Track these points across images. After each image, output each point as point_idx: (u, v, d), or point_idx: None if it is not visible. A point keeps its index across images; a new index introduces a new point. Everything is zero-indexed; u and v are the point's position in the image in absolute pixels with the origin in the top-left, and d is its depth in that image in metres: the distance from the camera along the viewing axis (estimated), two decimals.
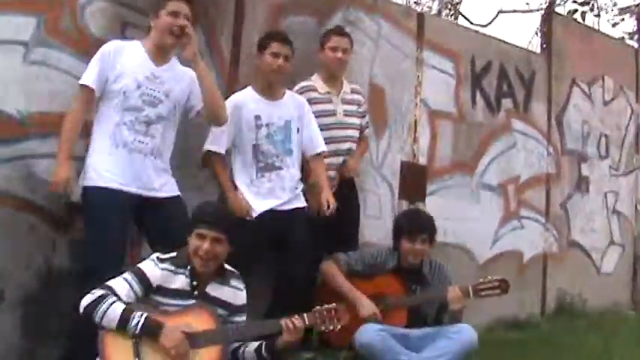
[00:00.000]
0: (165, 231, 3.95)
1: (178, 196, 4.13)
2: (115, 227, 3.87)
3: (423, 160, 6.09)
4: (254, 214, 4.42)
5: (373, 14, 5.76)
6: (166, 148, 4.11)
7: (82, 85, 3.93)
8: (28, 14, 4.07)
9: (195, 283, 3.54)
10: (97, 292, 3.37)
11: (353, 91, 5.14)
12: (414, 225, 4.60)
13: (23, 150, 4.04)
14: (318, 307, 3.67)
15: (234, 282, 3.69)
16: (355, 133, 5.08)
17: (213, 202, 3.88)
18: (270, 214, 4.48)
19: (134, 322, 3.31)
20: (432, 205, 5.98)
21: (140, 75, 3.98)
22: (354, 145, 5.06)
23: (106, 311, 3.31)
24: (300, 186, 4.64)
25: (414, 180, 5.97)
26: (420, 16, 6.28)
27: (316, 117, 4.81)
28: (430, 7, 11.94)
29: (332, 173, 4.90)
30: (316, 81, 4.99)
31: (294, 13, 5.28)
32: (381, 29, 5.82)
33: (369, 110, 5.42)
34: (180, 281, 3.52)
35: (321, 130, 4.82)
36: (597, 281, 7.84)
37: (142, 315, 3.33)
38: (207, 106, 4.14)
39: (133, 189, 3.94)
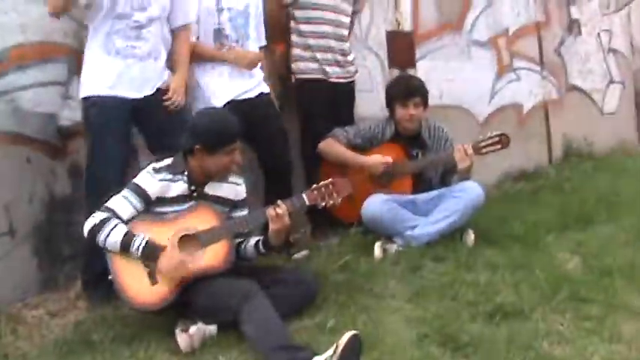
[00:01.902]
0: (164, 135, 3.98)
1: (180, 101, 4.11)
2: (116, 134, 3.88)
3: (407, 26, 5.99)
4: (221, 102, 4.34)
5: None
6: (165, 47, 4.07)
7: None
8: None
9: (193, 187, 3.55)
10: (99, 216, 3.40)
11: None
12: (405, 90, 4.60)
13: (5, 85, 4.00)
14: (314, 185, 3.66)
15: (231, 178, 3.70)
16: (346, 19, 5.07)
17: (224, 112, 3.79)
18: (240, 102, 4.42)
19: (135, 246, 3.34)
20: (423, 70, 5.94)
21: None
22: (346, 31, 5.07)
23: (108, 235, 3.35)
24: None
25: (401, 47, 5.91)
26: None
27: None
28: None
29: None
30: None
31: None
32: None
33: None
34: (179, 187, 3.53)
35: (319, 10, 4.86)
36: (601, 122, 7.85)
37: (142, 239, 3.36)
38: None
39: (130, 93, 3.93)
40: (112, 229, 3.35)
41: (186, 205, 3.52)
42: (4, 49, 3.99)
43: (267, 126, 4.52)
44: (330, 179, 3.68)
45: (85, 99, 3.93)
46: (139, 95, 3.97)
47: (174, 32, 4.17)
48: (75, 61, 4.19)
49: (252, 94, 4.48)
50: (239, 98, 4.41)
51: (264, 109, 4.53)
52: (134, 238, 3.35)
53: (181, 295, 3.37)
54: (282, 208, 3.53)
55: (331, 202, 3.65)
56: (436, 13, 6.20)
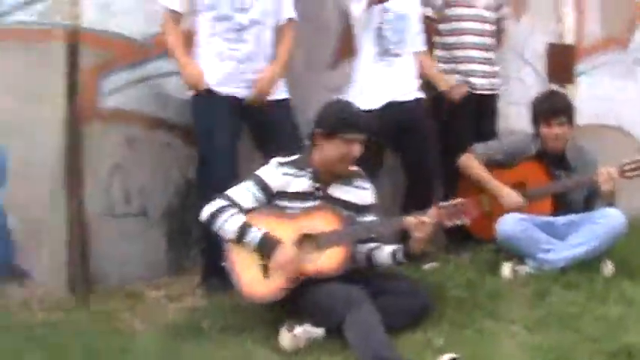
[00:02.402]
0: (272, 133, 4.01)
1: (287, 99, 4.14)
2: (223, 127, 3.94)
3: (570, 40, 5.71)
4: (374, 106, 4.32)
5: None
6: (263, 52, 4.08)
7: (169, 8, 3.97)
8: None
9: (317, 184, 3.52)
10: (217, 203, 3.42)
11: None
12: (549, 108, 4.36)
13: (150, 71, 4.18)
14: (442, 203, 3.56)
15: (358, 182, 3.63)
16: (490, 28, 4.92)
17: (350, 103, 3.74)
18: (393, 104, 4.41)
19: (250, 237, 3.35)
20: (583, 86, 5.68)
21: None
22: (491, 40, 4.93)
23: (225, 222, 3.37)
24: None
25: (561, 62, 5.64)
26: None
27: (453, 5, 4.75)
28: None
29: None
30: None
31: None
32: None
33: None
34: (302, 183, 3.50)
35: (462, 21, 4.77)
36: None
37: (259, 230, 3.36)
38: None
39: (232, 91, 3.97)
40: (229, 217, 3.37)
41: (308, 204, 3.49)
42: (149, 35, 4.16)
43: (417, 132, 4.48)
44: (460, 199, 3.58)
45: (193, 96, 4.01)
46: (242, 93, 3.99)
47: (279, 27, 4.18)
48: None
49: (407, 97, 4.47)
50: (395, 100, 4.41)
51: (416, 114, 4.50)
52: (250, 229, 3.36)
53: (291, 293, 3.35)
54: (426, 216, 3.45)
55: (458, 222, 3.54)
56: (601, 28, 5.86)
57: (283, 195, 3.49)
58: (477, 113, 4.85)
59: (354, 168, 3.64)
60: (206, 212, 3.43)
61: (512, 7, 5.33)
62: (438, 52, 4.87)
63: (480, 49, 4.85)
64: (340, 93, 4.33)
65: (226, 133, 3.95)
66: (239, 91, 3.99)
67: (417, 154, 4.50)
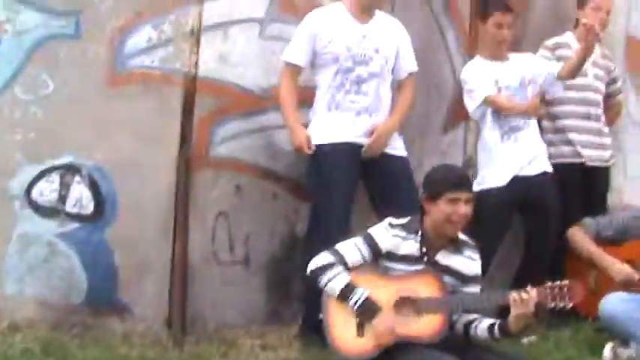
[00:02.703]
0: (388, 187, 3.99)
1: (405, 157, 4.14)
2: (340, 182, 3.96)
3: None
4: (501, 182, 4.33)
5: None
6: (383, 106, 4.10)
7: (289, 62, 4.05)
8: None
9: (424, 249, 3.47)
10: (325, 259, 3.40)
11: (604, 57, 4.88)
12: None
13: (264, 122, 4.26)
14: (549, 283, 3.41)
15: (467, 251, 3.54)
16: (600, 99, 4.83)
17: (454, 165, 3.81)
18: (519, 178, 4.39)
19: (353, 299, 3.31)
20: None
21: (348, 37, 4.03)
22: (599, 111, 4.81)
23: (330, 280, 3.35)
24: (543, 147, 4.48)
25: None
26: None
27: None
28: None
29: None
30: (570, 39, 4.75)
31: None
32: None
33: (628, 64, 5.11)
34: (410, 246, 3.45)
35: (571, 90, 4.64)
36: None
37: (362, 293, 3.32)
38: None
39: (352, 139, 4.01)
40: (335, 276, 3.35)
41: (413, 267, 3.44)
42: (265, 87, 4.25)
43: (542, 207, 4.43)
44: (566, 281, 3.43)
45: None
46: (360, 142, 4.02)
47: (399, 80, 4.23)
48: None
49: (532, 171, 4.44)
50: (518, 174, 4.39)
51: (542, 186, 4.45)
52: (354, 291, 3.33)
53: (385, 353, 3.29)
54: (529, 294, 3.32)
55: (561, 304, 3.39)
56: None
57: (391, 256, 3.45)
58: (586, 186, 4.72)
59: (465, 238, 3.57)
60: (312, 266, 3.42)
61: (634, 81, 5.25)
62: (545, 123, 4.78)
63: (591, 120, 4.75)
64: (449, 157, 4.32)
65: (342, 188, 3.98)
66: (357, 140, 4.03)
67: (540, 229, 4.45)
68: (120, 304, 4.00)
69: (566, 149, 4.72)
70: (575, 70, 4.47)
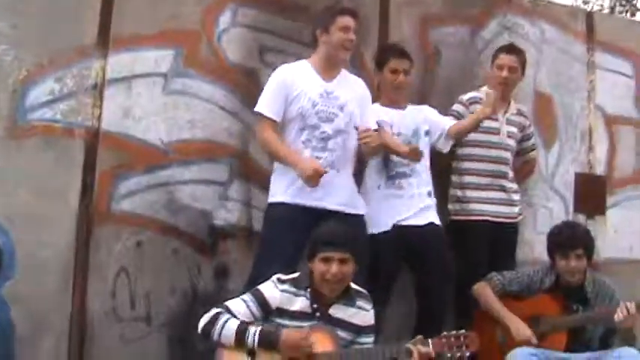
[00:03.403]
0: None
1: (361, 215, 4.12)
2: (288, 240, 3.91)
3: (600, 170, 5.63)
4: (382, 228, 4.30)
5: (533, 18, 5.43)
6: (348, 160, 4.13)
7: (266, 117, 4.03)
8: (165, 48, 4.28)
9: (315, 305, 3.46)
10: (213, 311, 3.40)
11: (519, 113, 4.96)
12: (566, 240, 4.23)
13: (166, 177, 4.24)
14: (445, 333, 3.46)
15: (360, 302, 3.56)
16: (511, 157, 4.89)
17: (333, 222, 3.74)
18: (403, 227, 4.34)
19: (250, 334, 3.30)
20: (614, 219, 5.55)
21: (314, 94, 4.03)
22: (509, 169, 4.86)
23: (222, 328, 3.33)
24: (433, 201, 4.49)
25: (591, 193, 5.54)
26: (590, 16, 5.81)
27: (479, 132, 4.66)
28: (601, 6, 11.16)
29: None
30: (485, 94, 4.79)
31: (445, 24, 5.11)
32: (544, 33, 5.47)
33: (535, 119, 5.19)
34: (301, 303, 3.45)
35: (481, 147, 4.72)
36: None
37: (257, 327, 3.33)
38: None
39: (309, 202, 3.97)
40: (225, 322, 3.34)
41: (306, 324, 3.42)
42: (170, 142, 4.24)
43: (431, 258, 4.39)
44: (462, 330, 3.48)
45: (269, 205, 4.05)
46: (321, 205, 3.98)
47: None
48: (237, 162, 4.37)
49: (419, 222, 4.40)
50: (402, 224, 4.35)
51: (431, 239, 4.42)
52: (248, 328, 3.32)
53: None
54: (425, 345, 3.36)
55: (458, 354, 3.42)
56: (635, 159, 5.77)
57: (283, 313, 3.44)
58: (493, 241, 4.73)
59: (357, 287, 3.58)
60: (202, 323, 3.40)
61: (542, 136, 5.33)
62: (454, 178, 4.82)
63: (500, 177, 4.79)
64: None
65: (289, 245, 3.92)
66: (312, 202, 3.97)
67: (429, 282, 4.40)
68: None
69: (471, 205, 4.75)
70: (463, 134, 4.56)
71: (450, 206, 4.79)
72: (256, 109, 4.04)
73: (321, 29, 4.09)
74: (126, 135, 4.18)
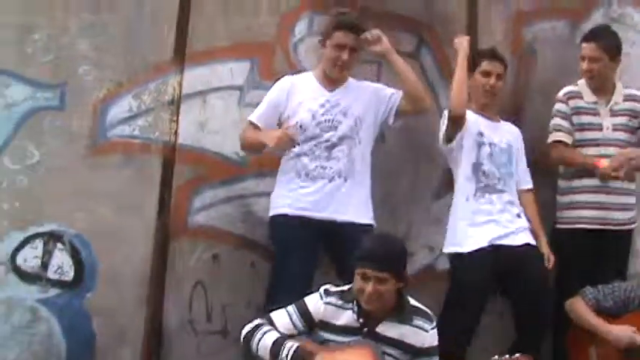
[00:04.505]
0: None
1: (370, 225, 3.95)
2: (300, 253, 3.82)
3: None
4: (473, 247, 4.02)
5: None
6: (357, 169, 3.95)
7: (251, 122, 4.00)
8: (240, 60, 4.29)
9: (361, 320, 3.29)
10: (256, 322, 3.33)
11: (627, 99, 4.39)
12: None
13: (242, 190, 4.23)
14: (506, 356, 3.18)
15: (418, 321, 3.30)
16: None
17: (379, 235, 3.54)
18: (496, 247, 4.03)
19: (285, 350, 3.18)
20: None
21: (314, 104, 3.93)
22: None
23: (260, 340, 3.24)
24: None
25: None
26: None
27: (580, 130, 4.28)
28: None
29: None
30: (583, 87, 4.40)
31: (541, 19, 4.74)
32: None
33: None
34: (347, 317, 3.28)
35: (584, 145, 4.29)
36: None
37: (292, 345, 3.19)
38: (409, 93, 3.99)
39: (316, 214, 3.86)
40: (264, 333, 3.25)
41: (350, 339, 3.25)
42: (243, 155, 4.21)
43: (528, 278, 4.05)
44: (517, 354, 3.20)
45: (272, 217, 3.95)
46: (328, 216, 3.86)
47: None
48: None
49: (512, 242, 4.08)
50: (495, 243, 4.05)
51: (525, 259, 4.07)
52: (284, 343, 3.20)
53: None
54: None
55: None
56: None
57: (328, 327, 3.30)
58: (600, 250, 4.28)
59: (418, 305, 3.36)
60: (244, 330, 3.32)
61: None
62: (561, 183, 4.40)
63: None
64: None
65: (301, 259, 3.84)
66: (318, 214, 3.87)
67: (528, 303, 4.05)
68: None
69: (584, 213, 4.28)
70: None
71: (557, 213, 4.38)
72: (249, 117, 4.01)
73: (322, 41, 3.98)
74: (202, 149, 4.22)
